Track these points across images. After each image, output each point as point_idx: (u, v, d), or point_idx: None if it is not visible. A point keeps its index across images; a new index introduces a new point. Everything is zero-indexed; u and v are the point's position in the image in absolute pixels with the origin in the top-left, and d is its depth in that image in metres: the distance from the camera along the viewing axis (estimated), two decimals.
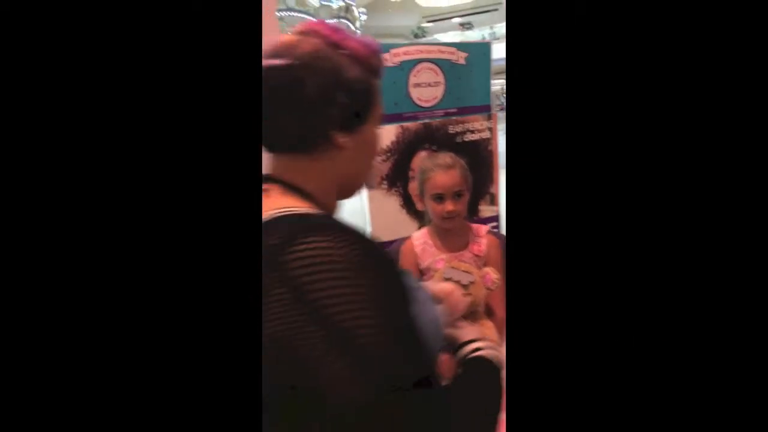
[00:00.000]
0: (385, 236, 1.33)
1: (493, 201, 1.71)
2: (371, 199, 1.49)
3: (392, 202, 1.52)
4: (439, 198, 0.96)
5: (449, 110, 1.59)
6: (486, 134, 1.66)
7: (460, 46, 1.59)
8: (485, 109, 1.66)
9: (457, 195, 0.96)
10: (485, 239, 1.04)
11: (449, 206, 0.95)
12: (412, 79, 1.51)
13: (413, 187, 1.47)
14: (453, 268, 0.90)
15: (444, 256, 0.98)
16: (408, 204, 1.54)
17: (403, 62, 1.49)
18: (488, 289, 0.88)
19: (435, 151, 1.56)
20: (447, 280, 0.88)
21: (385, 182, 1.50)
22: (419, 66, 1.51)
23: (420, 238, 1.06)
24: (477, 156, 1.65)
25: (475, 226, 1.06)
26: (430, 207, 0.98)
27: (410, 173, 1.52)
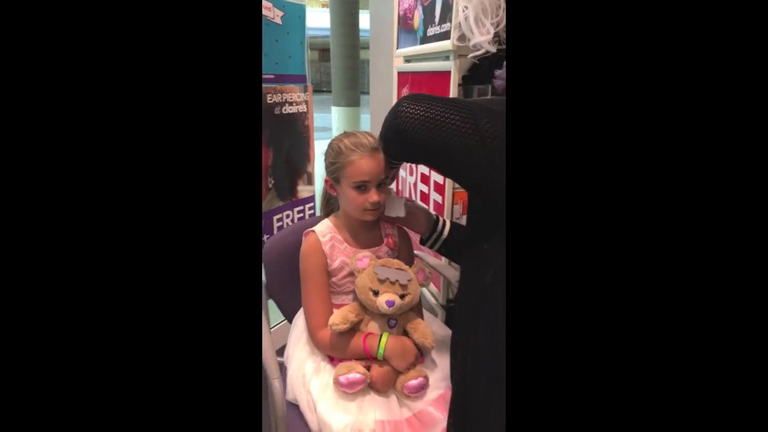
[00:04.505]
0: None
1: (310, 180, 1.60)
2: None
3: None
4: (363, 187, 0.80)
5: (267, 76, 1.37)
6: (303, 107, 1.52)
7: (276, 2, 1.38)
8: (302, 80, 1.51)
9: (383, 183, 0.82)
10: (396, 230, 0.94)
11: (374, 196, 0.80)
12: None
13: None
14: (384, 266, 0.80)
15: (368, 252, 0.85)
16: None
17: None
18: (421, 285, 0.83)
19: None
20: (382, 281, 0.79)
21: None
22: None
23: (326, 233, 0.88)
24: (294, 131, 1.50)
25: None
26: (349, 196, 0.82)
27: None
